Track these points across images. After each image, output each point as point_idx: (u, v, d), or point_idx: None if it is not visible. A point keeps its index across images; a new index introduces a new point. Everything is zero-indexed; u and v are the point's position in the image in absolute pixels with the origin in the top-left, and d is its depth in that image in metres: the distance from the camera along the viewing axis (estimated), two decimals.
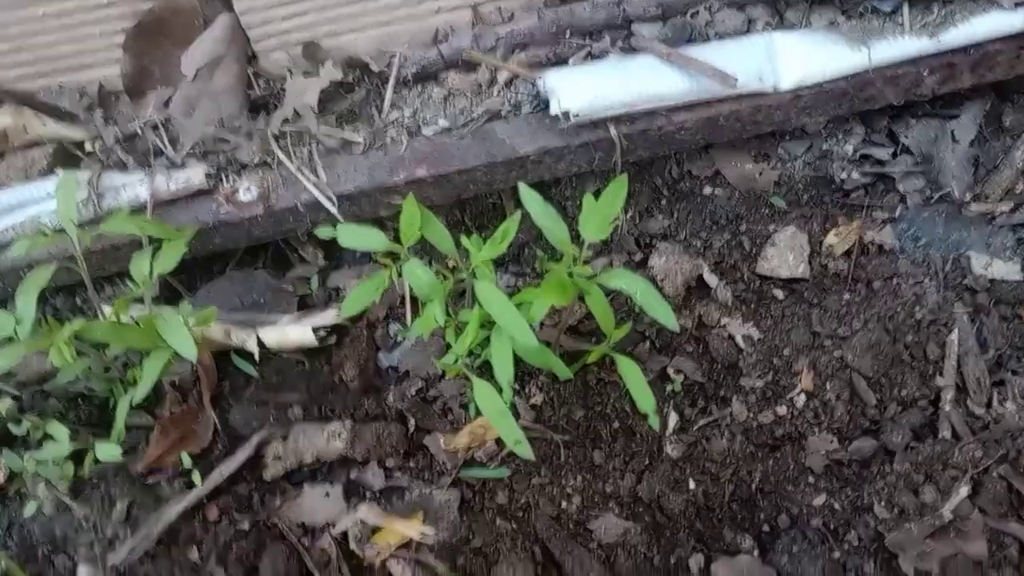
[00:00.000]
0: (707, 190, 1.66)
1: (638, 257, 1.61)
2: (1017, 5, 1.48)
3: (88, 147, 1.56)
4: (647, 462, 1.37)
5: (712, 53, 1.46)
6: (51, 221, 1.42)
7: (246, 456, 1.42)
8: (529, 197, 1.31)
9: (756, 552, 1.28)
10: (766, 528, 1.31)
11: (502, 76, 1.56)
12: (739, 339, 1.44)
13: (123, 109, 1.61)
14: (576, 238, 1.27)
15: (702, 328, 1.48)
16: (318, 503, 1.39)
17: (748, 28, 1.57)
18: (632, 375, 1.27)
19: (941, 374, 1.37)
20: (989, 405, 1.34)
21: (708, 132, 1.52)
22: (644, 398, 1.26)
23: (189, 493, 1.38)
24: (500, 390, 1.23)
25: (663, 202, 1.66)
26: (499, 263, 1.66)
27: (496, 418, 1.23)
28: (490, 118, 1.53)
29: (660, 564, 1.28)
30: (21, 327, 1.13)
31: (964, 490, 1.23)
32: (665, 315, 1.23)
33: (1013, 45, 1.50)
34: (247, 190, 1.49)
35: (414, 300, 1.56)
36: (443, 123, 1.53)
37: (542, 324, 1.54)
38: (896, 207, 1.61)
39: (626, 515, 1.33)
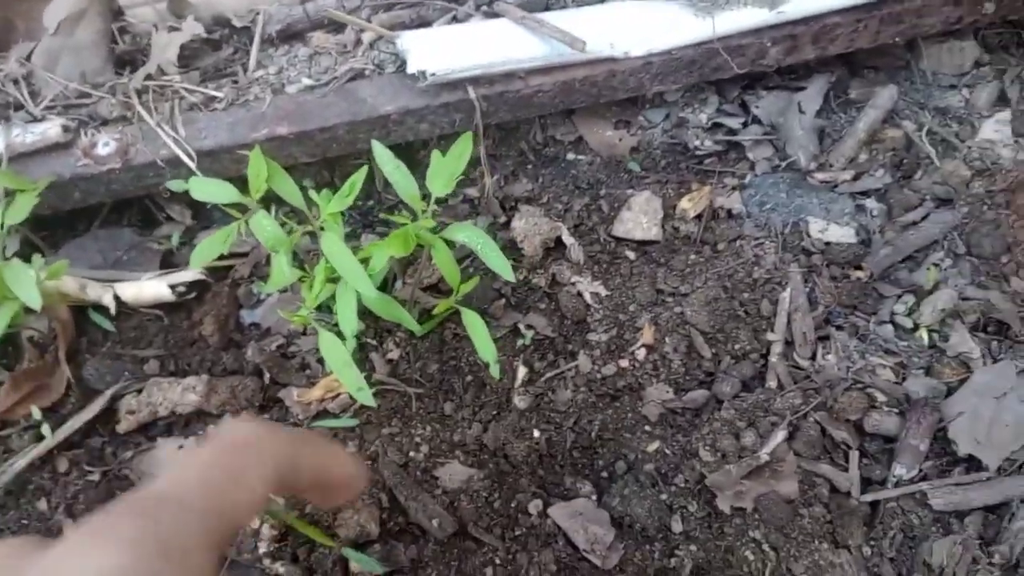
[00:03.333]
0: (570, 155, 1.71)
1: (503, 220, 1.66)
2: None
3: None
4: (495, 413, 1.42)
5: (567, 19, 1.51)
6: None
7: (99, 408, 1.42)
8: (381, 153, 1.34)
9: (594, 497, 1.34)
10: (604, 474, 1.37)
11: (367, 37, 1.58)
12: (587, 296, 1.50)
13: None
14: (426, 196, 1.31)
15: (555, 286, 1.53)
16: (170, 455, 1.40)
17: None
18: (475, 326, 1.32)
19: (772, 329, 1.45)
20: (813, 358, 1.42)
21: (565, 96, 1.57)
22: (485, 348, 1.31)
23: (38, 445, 1.38)
24: (344, 340, 1.27)
25: (529, 167, 1.71)
26: (367, 225, 1.69)
27: (339, 367, 1.26)
28: (353, 77, 1.55)
29: (501, 508, 1.33)
30: None
31: (781, 434, 1.30)
32: (502, 267, 1.28)
33: (851, 18, 1.58)
34: (105, 144, 1.49)
35: None
36: (307, 81, 1.55)
37: (404, 282, 1.57)
38: (746, 174, 1.68)
39: (471, 463, 1.37)
